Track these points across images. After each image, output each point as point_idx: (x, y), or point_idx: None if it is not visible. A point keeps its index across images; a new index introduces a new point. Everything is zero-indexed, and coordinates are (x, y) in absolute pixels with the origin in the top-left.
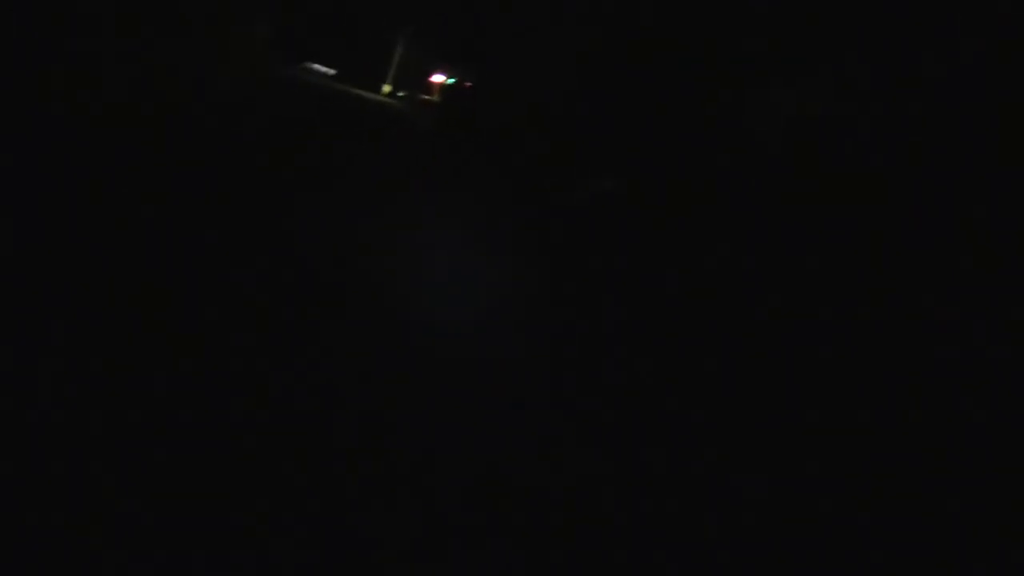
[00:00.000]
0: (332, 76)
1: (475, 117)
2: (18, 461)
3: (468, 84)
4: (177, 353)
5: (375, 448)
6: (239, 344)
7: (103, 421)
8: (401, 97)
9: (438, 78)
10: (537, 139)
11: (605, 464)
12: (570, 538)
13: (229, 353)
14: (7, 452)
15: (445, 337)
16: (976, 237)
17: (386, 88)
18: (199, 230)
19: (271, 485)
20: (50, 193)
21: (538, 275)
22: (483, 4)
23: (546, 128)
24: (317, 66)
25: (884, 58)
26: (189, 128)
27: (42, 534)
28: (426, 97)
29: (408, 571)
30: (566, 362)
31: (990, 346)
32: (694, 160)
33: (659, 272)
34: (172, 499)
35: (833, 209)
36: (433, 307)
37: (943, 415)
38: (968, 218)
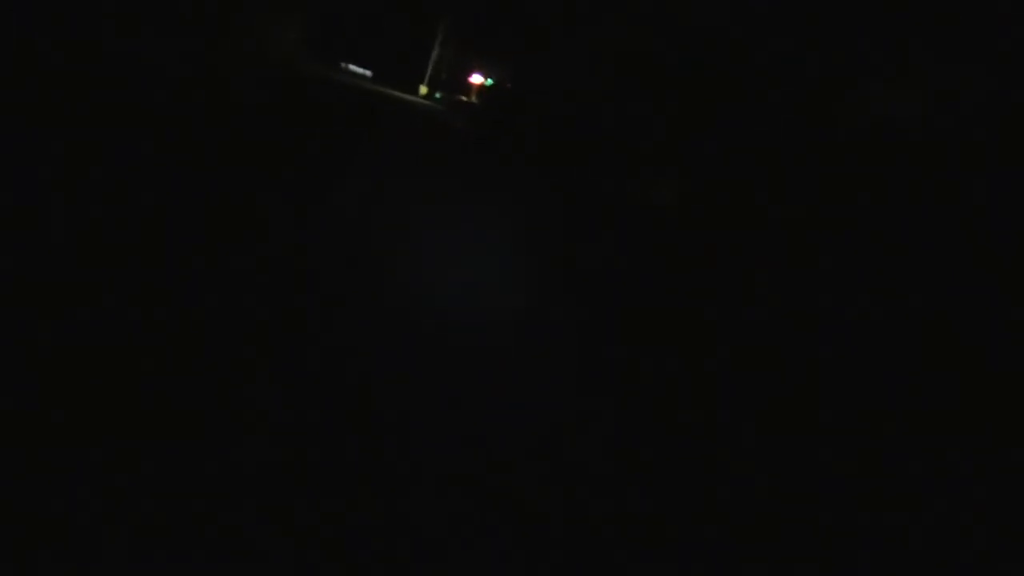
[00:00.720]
0: (370, 77)
1: (513, 118)
2: (17, 460)
3: (508, 85)
4: (178, 352)
5: (375, 448)
6: (247, 341)
7: (102, 420)
8: (438, 98)
9: (476, 79)
10: (575, 141)
11: (605, 464)
12: (570, 538)
13: (234, 350)
14: (7, 452)
15: (452, 336)
16: (977, 237)
17: (423, 89)
18: (225, 225)
19: (271, 485)
20: (60, 190)
21: (565, 274)
22: (522, 6)
23: (583, 130)
24: (355, 67)
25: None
26: (219, 125)
27: (42, 534)
28: (463, 98)
29: (408, 571)
30: (572, 361)
31: (990, 346)
32: (730, 162)
33: (683, 273)
34: (172, 499)
35: (853, 209)
36: (452, 304)
37: (943, 414)
38: (970, 217)
